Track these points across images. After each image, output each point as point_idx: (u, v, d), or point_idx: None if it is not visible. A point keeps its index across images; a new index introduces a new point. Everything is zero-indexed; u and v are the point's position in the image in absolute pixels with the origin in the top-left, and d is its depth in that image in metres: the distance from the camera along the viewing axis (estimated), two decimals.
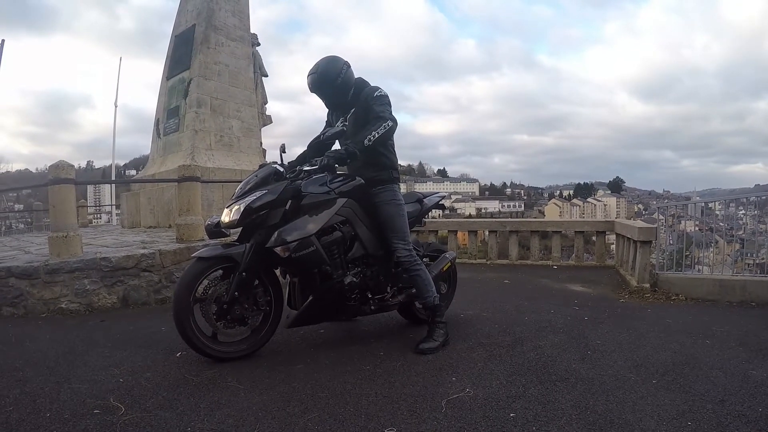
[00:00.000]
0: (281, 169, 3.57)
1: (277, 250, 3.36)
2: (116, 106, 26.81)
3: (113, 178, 28.93)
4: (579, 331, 4.19)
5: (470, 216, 74.12)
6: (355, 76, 3.81)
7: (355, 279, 3.69)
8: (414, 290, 3.97)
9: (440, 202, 4.64)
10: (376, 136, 3.53)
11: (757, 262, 7.55)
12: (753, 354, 3.58)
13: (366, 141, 3.50)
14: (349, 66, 3.72)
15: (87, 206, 17.95)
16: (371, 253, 3.83)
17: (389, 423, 2.49)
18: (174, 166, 8.03)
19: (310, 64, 3.72)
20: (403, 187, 6.27)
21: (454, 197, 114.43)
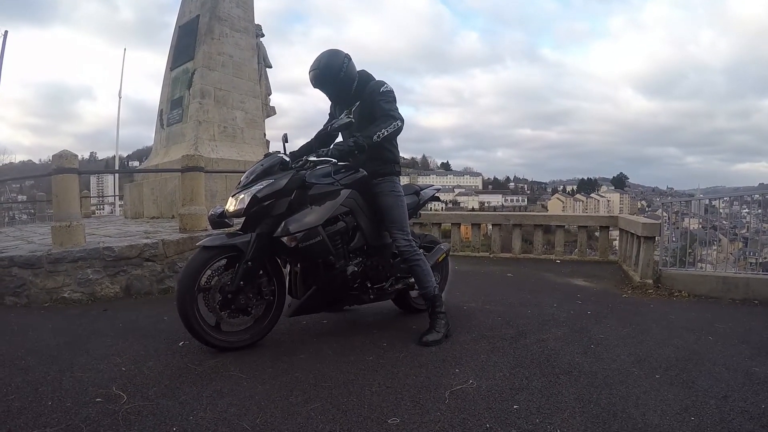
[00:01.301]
0: (287, 159, 3.56)
1: (285, 239, 3.37)
2: (120, 97, 26.82)
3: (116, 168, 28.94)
4: (582, 325, 4.19)
5: (473, 209, 74.11)
6: (358, 69, 3.80)
7: (356, 268, 3.72)
8: (411, 280, 4.01)
9: (436, 195, 4.66)
10: (385, 134, 3.55)
11: (760, 261, 7.54)
12: (756, 351, 3.57)
13: (375, 137, 3.51)
14: (350, 59, 3.70)
15: (90, 197, 17.98)
16: (371, 243, 3.86)
17: (392, 413, 2.50)
18: (177, 157, 8.02)
19: (310, 56, 3.68)
20: (406, 180, 6.25)
21: (457, 191, 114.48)
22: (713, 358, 3.40)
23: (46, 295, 5.19)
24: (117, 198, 23.09)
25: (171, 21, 11.26)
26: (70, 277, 5.27)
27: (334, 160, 3.54)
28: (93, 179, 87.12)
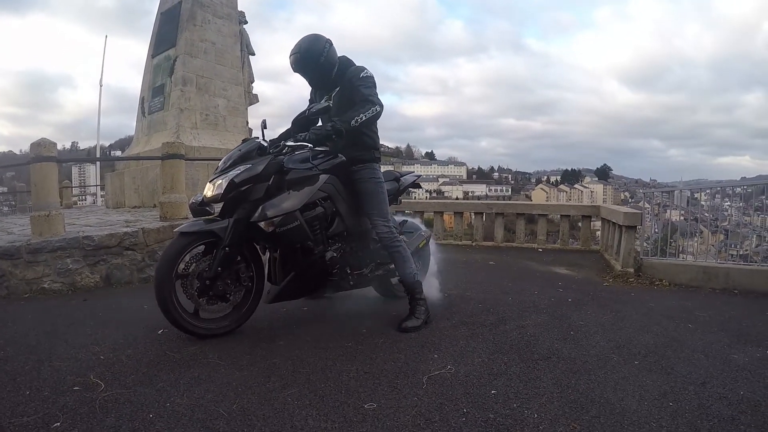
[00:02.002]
0: (265, 144, 3.54)
1: (262, 224, 3.36)
2: (101, 86, 26.39)
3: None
4: (562, 312, 4.21)
5: (457, 199, 74.13)
6: (338, 55, 3.77)
7: (335, 254, 3.71)
8: (391, 266, 4.01)
9: (416, 181, 4.67)
10: (363, 118, 3.52)
11: (740, 253, 7.61)
12: (734, 339, 3.60)
13: (353, 121, 3.48)
14: (331, 44, 3.68)
15: (71, 187, 17.76)
16: (351, 229, 3.86)
17: (369, 398, 2.50)
18: (158, 145, 7.92)
19: (294, 43, 3.69)
20: (390, 168, 6.27)
21: (441, 180, 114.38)
22: (692, 345, 3.43)
23: (26, 286, 5.12)
24: (99, 188, 22.80)
25: (153, 8, 11.15)
26: (49, 267, 5.21)
27: (310, 145, 3.52)
28: (75, 170, 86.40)
